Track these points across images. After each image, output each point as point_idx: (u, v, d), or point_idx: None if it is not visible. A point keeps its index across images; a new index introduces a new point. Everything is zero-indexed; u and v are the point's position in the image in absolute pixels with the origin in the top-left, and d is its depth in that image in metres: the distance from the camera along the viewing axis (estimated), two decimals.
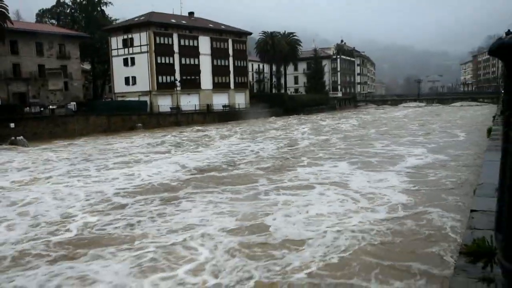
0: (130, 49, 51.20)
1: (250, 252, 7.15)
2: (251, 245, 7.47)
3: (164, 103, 49.47)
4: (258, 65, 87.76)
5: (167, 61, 51.43)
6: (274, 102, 62.37)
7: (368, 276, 6.24)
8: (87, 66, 60.74)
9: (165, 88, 50.61)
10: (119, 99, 49.28)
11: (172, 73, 51.67)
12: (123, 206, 9.96)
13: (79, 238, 8.18)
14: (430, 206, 9.17)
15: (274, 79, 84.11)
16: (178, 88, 51.18)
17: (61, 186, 12.73)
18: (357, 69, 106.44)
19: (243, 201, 9.69)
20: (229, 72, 59.23)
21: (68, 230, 8.60)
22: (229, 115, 53.46)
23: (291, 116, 57.92)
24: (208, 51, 56.09)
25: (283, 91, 79.23)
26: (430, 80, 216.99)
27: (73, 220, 9.18)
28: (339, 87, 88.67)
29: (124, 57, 51.71)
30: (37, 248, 7.69)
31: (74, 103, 41.13)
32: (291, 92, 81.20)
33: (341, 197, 9.62)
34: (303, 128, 33.81)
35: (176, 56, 52.31)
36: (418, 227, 8.06)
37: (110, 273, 6.49)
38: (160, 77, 50.55)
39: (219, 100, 55.96)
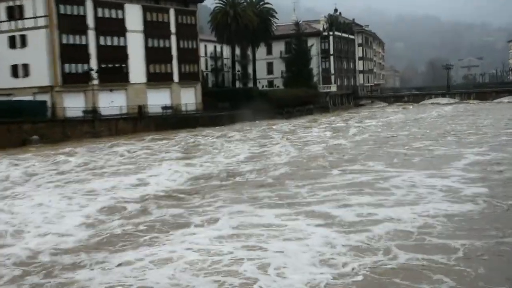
0: (19, 22, 51.90)
1: None
2: None
3: (73, 104, 50.32)
4: (215, 47, 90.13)
5: (78, 41, 52.53)
6: (238, 101, 64.40)
7: None
8: None
9: (74, 81, 51.52)
10: (2, 98, 49.44)
11: (86, 59, 52.69)
12: None
13: None
14: None
15: (238, 68, 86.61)
16: (95, 82, 52.19)
17: None
18: (359, 51, 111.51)
19: None
20: (171, 57, 60.86)
21: None
22: (171, 121, 54.93)
23: (261, 122, 60.12)
24: (140, 26, 57.70)
25: (251, 84, 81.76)
26: (464, 66, 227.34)
27: None
28: (332, 77, 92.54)
29: (10, 34, 52.27)
30: None
31: None
32: (263, 86, 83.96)
33: None
34: (279, 147, 35.17)
35: (91, 34, 53.51)
36: None
37: None
38: (67, 66, 51.48)
39: (157, 99, 57.37)
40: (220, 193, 19.62)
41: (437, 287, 10.12)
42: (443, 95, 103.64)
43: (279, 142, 38.57)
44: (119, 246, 13.51)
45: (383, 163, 26.12)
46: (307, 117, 69.95)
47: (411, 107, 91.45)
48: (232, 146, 36.86)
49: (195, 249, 12.80)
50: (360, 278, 10.68)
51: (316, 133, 46.95)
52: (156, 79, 58.89)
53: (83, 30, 52.68)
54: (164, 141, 42.87)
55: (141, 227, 15.25)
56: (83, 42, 52.86)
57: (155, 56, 58.69)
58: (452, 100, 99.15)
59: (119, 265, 11.88)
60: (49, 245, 13.64)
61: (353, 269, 11.14)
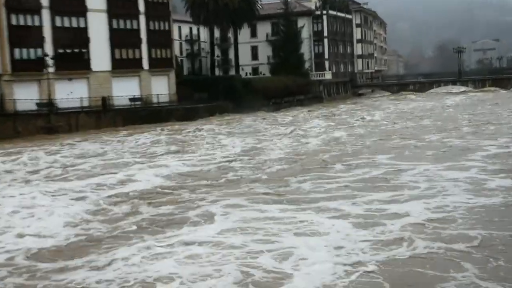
0: None
1: None
2: None
3: (25, 96, 49.97)
4: (190, 29, 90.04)
5: (29, 22, 52.16)
6: (218, 91, 64.53)
7: None
8: None
9: (26, 69, 51.21)
10: None
11: (39, 43, 52.37)
12: None
13: None
14: None
15: (217, 53, 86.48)
16: (51, 70, 51.84)
17: None
18: (357, 33, 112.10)
19: None
20: (140, 41, 60.70)
21: None
22: (141, 114, 54.84)
23: (248, 115, 60.26)
24: (103, 4, 57.39)
25: (233, 72, 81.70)
26: (478, 49, 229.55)
27: None
28: (327, 63, 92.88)
29: None
30: None
31: None
32: (246, 74, 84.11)
33: None
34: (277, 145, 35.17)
35: (46, 14, 53.15)
36: None
37: None
38: (17, 51, 51.16)
39: (124, 90, 57.16)
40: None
41: (458, 276, 11.37)
42: (454, 83, 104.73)
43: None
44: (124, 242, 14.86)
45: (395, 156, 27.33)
46: (296, 109, 70.14)
47: (417, 96, 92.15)
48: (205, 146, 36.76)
49: (206, 243, 14.26)
50: (379, 267, 12.02)
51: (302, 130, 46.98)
52: (123, 66, 58.65)
53: (36, 9, 52.28)
54: (135, 136, 42.84)
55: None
56: (36, 23, 52.46)
57: (121, 39, 58.42)
58: (464, 88, 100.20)
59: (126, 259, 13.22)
60: None
61: (372, 259, 12.49)
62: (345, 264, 12.29)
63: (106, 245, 14.73)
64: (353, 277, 11.58)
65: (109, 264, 12.99)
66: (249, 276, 11.83)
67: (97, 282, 11.91)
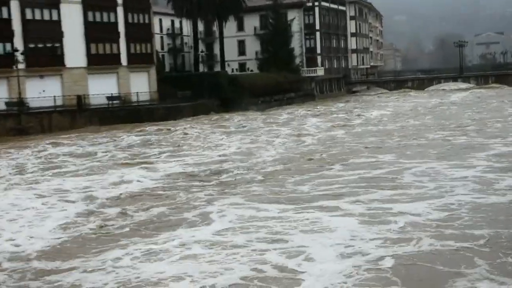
0: None
1: None
2: None
3: None
4: (172, 22, 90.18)
5: None
6: (203, 89, 64.85)
7: None
8: None
9: None
10: None
11: (8, 37, 52.30)
12: None
13: None
14: None
15: (201, 47, 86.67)
16: (21, 66, 51.79)
17: None
18: (351, 26, 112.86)
19: None
20: (118, 35, 60.83)
21: None
22: (119, 114, 54.95)
23: (233, 114, 60.70)
24: None
25: (218, 68, 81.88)
26: (481, 43, 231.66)
27: None
28: (319, 59, 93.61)
29: None
30: None
31: None
32: (233, 70, 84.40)
33: None
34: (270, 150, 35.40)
35: (15, 6, 53.12)
36: None
37: None
38: None
39: (101, 87, 57.16)
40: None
41: (468, 272, 12.11)
42: (455, 79, 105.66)
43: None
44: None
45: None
46: (287, 108, 70.54)
47: (416, 94, 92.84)
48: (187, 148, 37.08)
49: (207, 242, 15.09)
50: (389, 264, 12.82)
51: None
52: (100, 62, 58.77)
53: (4, 1, 52.20)
54: (111, 137, 43.02)
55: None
56: (4, 16, 52.47)
57: (98, 33, 58.53)
58: (466, 85, 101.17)
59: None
60: None
61: (382, 256, 13.27)
62: (353, 261, 13.09)
63: (108, 244, 15.41)
64: (363, 274, 12.27)
65: (113, 264, 13.73)
66: (260, 273, 12.69)
67: (104, 284, 12.49)
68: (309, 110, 65.85)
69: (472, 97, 76.96)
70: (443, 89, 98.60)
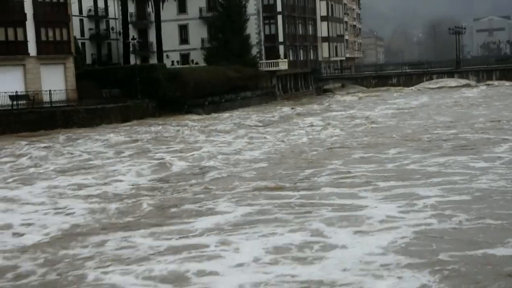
0: None
1: None
2: None
3: None
4: (95, 1, 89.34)
5: None
6: (135, 87, 64.58)
7: None
8: None
9: None
10: None
11: None
12: None
13: None
14: None
15: (132, 34, 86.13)
16: None
17: None
18: (321, 8, 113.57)
19: None
20: (24, 16, 60.12)
21: None
22: (27, 118, 54.30)
23: (174, 119, 60.61)
24: None
25: (154, 60, 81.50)
26: (483, 29, 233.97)
27: None
28: (281, 49, 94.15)
29: None
30: None
31: None
32: (173, 63, 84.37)
33: None
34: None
35: None
36: None
37: None
38: None
39: (2, 84, 56.12)
40: None
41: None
42: (451, 74, 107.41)
43: None
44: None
45: None
46: (240, 111, 70.65)
47: (402, 93, 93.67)
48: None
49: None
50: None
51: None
52: (0, 51, 58.13)
53: None
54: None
55: None
56: None
57: None
58: (463, 81, 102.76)
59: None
60: None
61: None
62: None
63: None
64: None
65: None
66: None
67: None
68: (268, 115, 66.10)
69: (471, 100, 76.44)
70: (434, 87, 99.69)
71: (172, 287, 14.87)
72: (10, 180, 31.11)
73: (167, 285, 14.99)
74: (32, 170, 34.06)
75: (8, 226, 21.26)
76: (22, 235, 20.19)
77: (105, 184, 28.61)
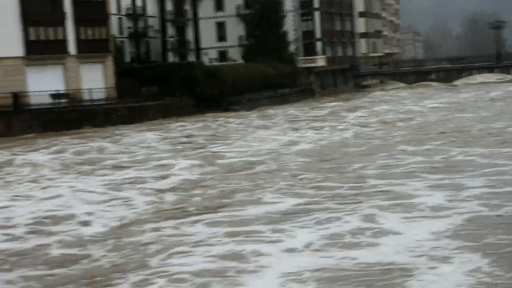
0: None
1: None
2: None
3: None
4: (133, 1, 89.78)
5: None
6: (173, 84, 64.77)
7: None
8: None
9: None
10: None
11: None
12: None
13: None
14: None
15: (171, 32, 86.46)
16: None
17: None
18: (359, 3, 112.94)
19: None
20: (64, 16, 60.53)
21: None
22: (67, 116, 54.64)
23: (208, 115, 60.81)
24: None
25: (192, 58, 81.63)
26: None
27: None
28: (319, 45, 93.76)
29: None
30: None
31: None
32: (211, 61, 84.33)
33: None
34: None
35: None
36: None
37: None
38: None
39: (43, 83, 56.94)
40: None
41: None
42: (490, 70, 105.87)
43: None
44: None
45: None
46: (279, 108, 70.33)
47: (438, 88, 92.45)
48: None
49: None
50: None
51: None
52: (41, 50, 58.50)
53: None
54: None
55: None
56: None
57: (38, 14, 58.14)
58: (504, 77, 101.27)
59: None
60: None
61: None
62: None
63: None
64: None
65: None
66: None
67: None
68: (310, 110, 65.91)
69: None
70: (480, 82, 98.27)
71: (232, 262, 15.91)
72: (71, 174, 32.27)
73: (226, 261, 16.03)
74: (88, 165, 34.97)
75: (73, 216, 22.31)
76: (87, 224, 21.24)
77: (160, 177, 29.62)
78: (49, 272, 16.04)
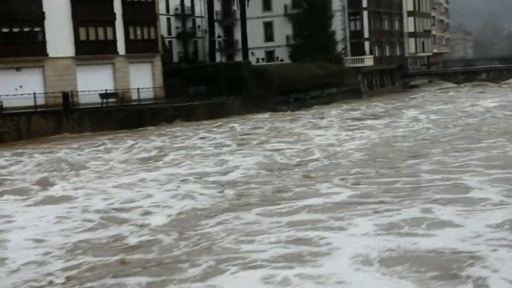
0: None
1: None
2: None
3: None
4: (182, 1, 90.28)
5: None
6: (220, 84, 64.94)
7: None
8: None
9: None
10: None
11: None
12: None
13: None
14: None
15: (218, 32, 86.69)
16: None
17: None
18: (408, 3, 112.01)
19: None
20: (114, 16, 61.07)
21: None
22: (117, 115, 55.17)
23: (258, 116, 60.79)
24: None
25: (239, 57, 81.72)
26: None
27: None
28: (367, 45, 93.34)
29: None
30: None
31: None
32: (258, 60, 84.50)
33: None
34: None
35: None
36: None
37: None
38: None
39: (93, 82, 57.42)
40: None
41: None
42: None
43: None
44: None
45: None
46: (327, 108, 69.90)
47: (489, 88, 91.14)
48: None
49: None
50: None
51: None
52: (91, 50, 59.10)
53: None
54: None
55: None
56: None
57: (88, 14, 58.84)
58: None
59: None
60: None
61: None
62: None
63: None
64: None
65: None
66: None
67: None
68: (360, 110, 65.59)
69: None
70: None
71: (298, 245, 16.90)
72: (135, 168, 33.18)
73: (292, 245, 17.03)
74: (151, 161, 35.96)
75: (140, 207, 23.34)
76: (154, 215, 22.13)
77: (220, 172, 30.61)
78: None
